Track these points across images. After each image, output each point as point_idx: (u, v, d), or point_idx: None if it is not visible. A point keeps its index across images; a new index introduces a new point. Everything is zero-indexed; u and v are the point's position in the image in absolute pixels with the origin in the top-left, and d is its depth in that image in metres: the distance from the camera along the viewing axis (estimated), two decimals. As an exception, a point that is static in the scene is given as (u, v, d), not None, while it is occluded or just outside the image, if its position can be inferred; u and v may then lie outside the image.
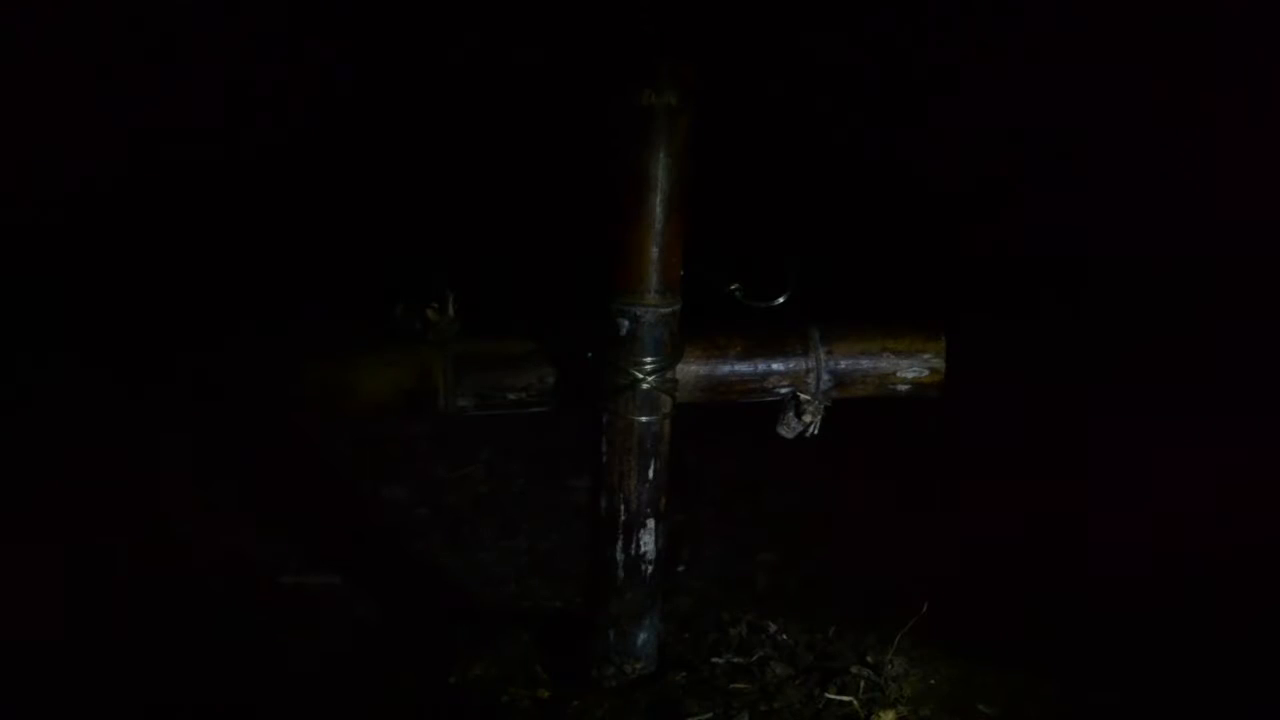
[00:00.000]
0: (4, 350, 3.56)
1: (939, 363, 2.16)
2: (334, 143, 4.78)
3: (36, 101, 4.21)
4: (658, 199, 1.87)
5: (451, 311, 2.05)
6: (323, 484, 3.28)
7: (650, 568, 2.11)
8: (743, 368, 2.10)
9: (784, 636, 2.36)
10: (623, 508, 2.05)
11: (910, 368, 2.15)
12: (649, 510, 2.07)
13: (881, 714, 2.12)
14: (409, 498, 3.21)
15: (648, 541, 2.08)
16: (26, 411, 3.38)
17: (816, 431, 2.13)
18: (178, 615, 2.56)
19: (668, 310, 1.95)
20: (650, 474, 2.04)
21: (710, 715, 2.09)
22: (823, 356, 2.11)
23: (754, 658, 2.27)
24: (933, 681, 2.26)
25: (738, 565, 2.93)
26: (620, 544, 2.08)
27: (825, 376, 2.11)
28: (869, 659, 2.27)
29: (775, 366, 2.11)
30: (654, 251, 1.91)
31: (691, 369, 2.06)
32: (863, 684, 2.19)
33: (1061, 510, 3.14)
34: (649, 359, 1.96)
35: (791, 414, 2.12)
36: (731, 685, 2.17)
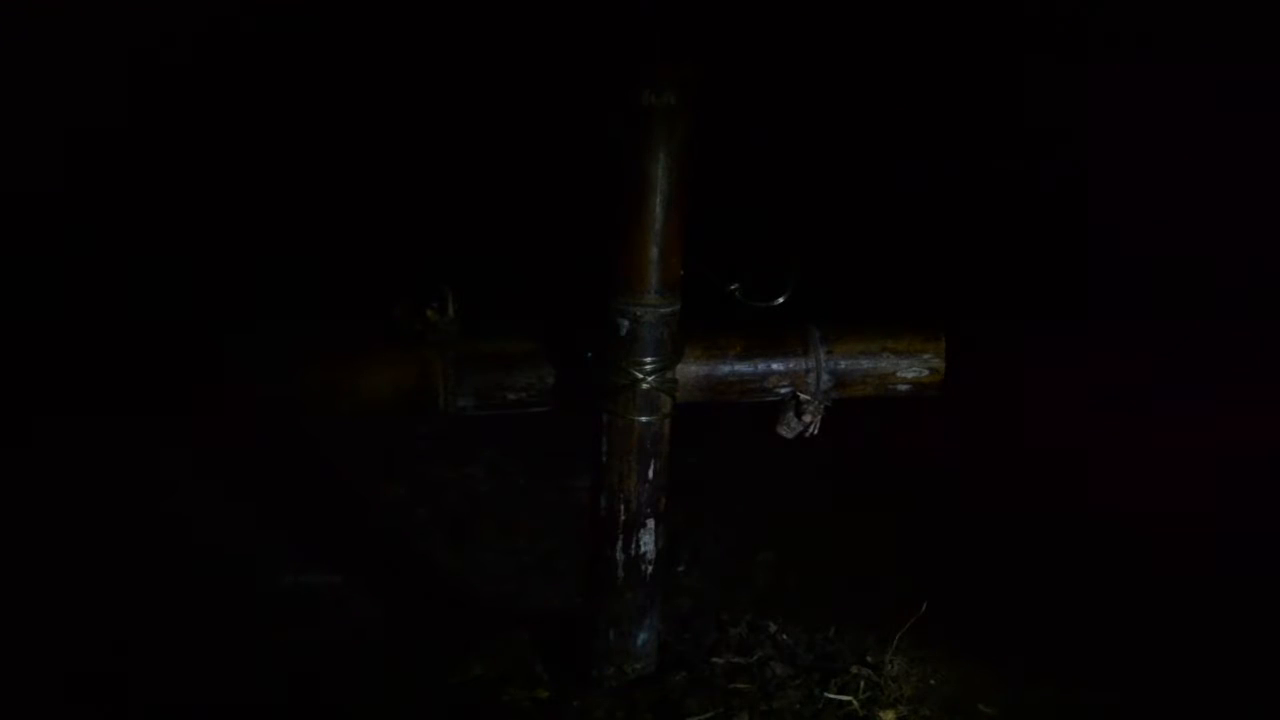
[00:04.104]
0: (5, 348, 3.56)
1: (939, 363, 2.16)
2: (335, 142, 4.78)
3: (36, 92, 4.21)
4: (657, 199, 1.87)
5: (452, 311, 2.05)
6: (323, 484, 3.27)
7: (650, 568, 2.11)
8: (743, 368, 2.10)
9: (784, 636, 2.36)
10: (622, 508, 2.05)
11: (910, 368, 2.15)
12: (649, 510, 2.07)
13: (881, 714, 2.12)
14: (409, 498, 3.21)
15: (648, 541, 2.08)
16: (27, 410, 3.38)
17: (816, 431, 2.13)
18: (178, 615, 2.56)
19: (668, 310, 1.95)
20: (650, 474, 2.04)
21: (710, 715, 2.09)
22: (822, 356, 2.11)
23: (753, 657, 2.27)
24: (933, 681, 2.26)
25: (738, 565, 2.93)
26: (620, 544, 2.08)
27: (825, 376, 2.11)
28: (869, 659, 2.27)
29: (775, 366, 2.11)
30: (654, 252, 1.90)
31: (691, 369, 2.06)
32: (862, 684, 2.19)
33: (1061, 509, 3.14)
34: (649, 359, 1.96)
35: (791, 414, 2.12)
36: (731, 685, 2.17)
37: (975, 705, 2.22)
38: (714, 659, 2.26)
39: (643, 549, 2.08)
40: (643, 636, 2.16)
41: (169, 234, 4.39)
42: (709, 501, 3.19)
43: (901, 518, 3.12)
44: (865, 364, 2.13)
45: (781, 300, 2.06)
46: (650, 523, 2.07)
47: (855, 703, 2.14)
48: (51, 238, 4.15)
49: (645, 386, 1.97)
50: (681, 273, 1.96)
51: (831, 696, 2.15)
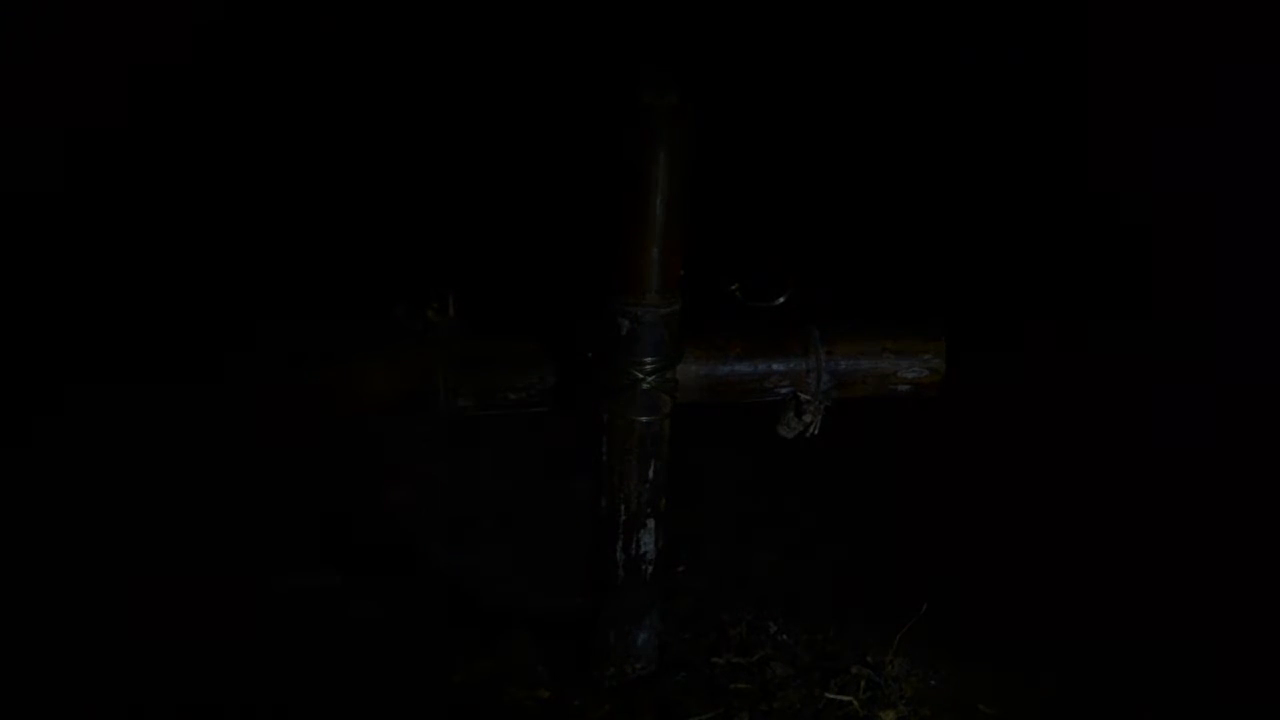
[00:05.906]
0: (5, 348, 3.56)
1: (939, 363, 2.16)
2: (335, 142, 4.78)
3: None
4: (658, 199, 1.87)
5: (452, 311, 2.05)
6: (323, 484, 3.27)
7: (650, 568, 2.11)
8: (743, 368, 2.10)
9: (784, 636, 2.36)
10: (623, 508, 2.05)
11: (910, 368, 2.15)
12: (649, 510, 2.07)
13: (881, 714, 2.12)
14: (409, 498, 3.21)
15: (648, 541, 2.08)
16: (26, 412, 3.38)
17: (816, 431, 2.13)
18: (176, 615, 2.56)
19: (668, 310, 1.95)
20: (650, 474, 2.04)
21: (710, 715, 2.09)
22: (823, 357, 2.11)
23: (754, 658, 2.27)
24: (933, 682, 2.26)
25: (738, 565, 2.93)
26: (620, 544, 2.08)
27: (825, 377, 2.12)
28: (869, 659, 2.27)
29: (775, 367, 2.11)
30: (654, 252, 1.91)
31: (692, 369, 2.06)
32: (863, 684, 2.19)
33: (1061, 510, 3.14)
34: (649, 359, 1.96)
35: (792, 414, 2.12)
36: (731, 685, 2.18)
37: (975, 705, 2.22)
38: (714, 659, 2.26)
39: (643, 549, 2.09)
40: (643, 636, 2.16)
41: (168, 233, 4.39)
42: (709, 501, 3.19)
43: (902, 517, 3.12)
44: (865, 364, 2.14)
45: (781, 300, 2.06)
46: (650, 523, 2.07)
47: (855, 703, 2.14)
48: (53, 234, 4.16)
49: (645, 386, 1.97)
50: (681, 273, 1.96)
51: (832, 696, 2.15)
